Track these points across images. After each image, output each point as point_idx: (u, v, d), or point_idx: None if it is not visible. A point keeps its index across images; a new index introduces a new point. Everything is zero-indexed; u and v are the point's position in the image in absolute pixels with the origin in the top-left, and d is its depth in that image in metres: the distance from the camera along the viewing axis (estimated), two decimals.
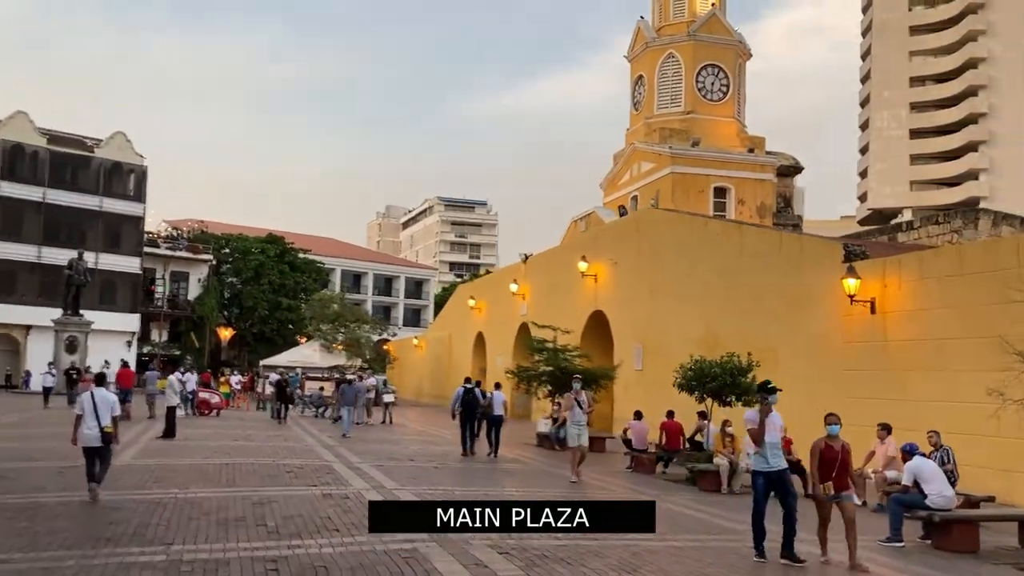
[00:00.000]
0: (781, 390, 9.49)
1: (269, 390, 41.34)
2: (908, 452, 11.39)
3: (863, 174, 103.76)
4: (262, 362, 54.38)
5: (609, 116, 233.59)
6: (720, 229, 24.54)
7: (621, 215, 34.61)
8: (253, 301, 66.07)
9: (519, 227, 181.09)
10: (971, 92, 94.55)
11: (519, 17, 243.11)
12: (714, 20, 40.36)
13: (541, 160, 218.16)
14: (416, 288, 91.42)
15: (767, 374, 16.06)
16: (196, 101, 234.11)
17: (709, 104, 39.94)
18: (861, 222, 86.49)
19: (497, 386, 24.45)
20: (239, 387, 39.66)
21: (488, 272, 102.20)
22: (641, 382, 26.88)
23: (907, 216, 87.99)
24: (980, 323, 15.66)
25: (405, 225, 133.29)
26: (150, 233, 62.85)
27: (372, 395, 32.20)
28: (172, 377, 24.19)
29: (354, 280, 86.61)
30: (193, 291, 64.09)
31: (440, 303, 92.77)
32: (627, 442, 18.52)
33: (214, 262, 65.33)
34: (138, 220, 57.91)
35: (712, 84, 40.00)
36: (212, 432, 23.41)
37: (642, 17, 42.64)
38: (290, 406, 31.08)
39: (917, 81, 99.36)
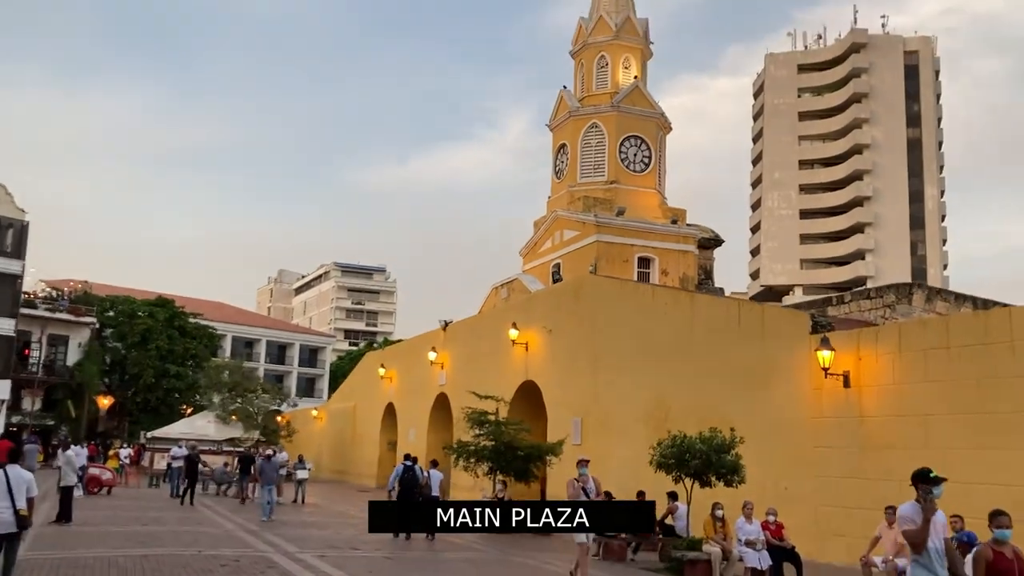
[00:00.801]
0: (947, 479, 7.87)
1: (164, 465, 38.29)
2: (967, 542, 10.28)
3: (755, 252, 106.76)
4: (150, 434, 50.46)
5: (505, 189, 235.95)
6: (670, 298, 23.67)
7: (555, 281, 33.54)
8: (139, 368, 61.96)
9: (416, 296, 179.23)
10: (857, 176, 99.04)
11: (408, 92, 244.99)
12: (636, 92, 40.43)
13: (437, 231, 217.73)
14: (311, 356, 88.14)
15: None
16: (75, 161, 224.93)
17: (632, 175, 39.72)
18: (753, 298, 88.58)
19: (435, 463, 23.08)
20: (127, 461, 36.26)
21: (387, 341, 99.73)
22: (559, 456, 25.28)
23: (799, 294, 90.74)
24: (969, 399, 14.98)
25: (298, 291, 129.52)
26: (27, 293, 58.36)
27: (284, 471, 29.73)
28: (70, 452, 21.42)
29: (245, 346, 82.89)
30: (73, 356, 59.56)
31: (337, 372, 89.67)
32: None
33: (97, 325, 61.09)
34: (15, 278, 53.59)
35: (635, 155, 39.85)
36: (112, 514, 20.72)
37: (565, 87, 42.45)
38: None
39: (806, 164, 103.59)
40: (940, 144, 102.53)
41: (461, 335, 37.39)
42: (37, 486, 10.65)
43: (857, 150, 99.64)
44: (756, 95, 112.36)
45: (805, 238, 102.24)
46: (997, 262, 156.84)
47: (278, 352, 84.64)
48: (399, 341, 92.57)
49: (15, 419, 54.89)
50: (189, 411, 65.30)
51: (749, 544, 13.53)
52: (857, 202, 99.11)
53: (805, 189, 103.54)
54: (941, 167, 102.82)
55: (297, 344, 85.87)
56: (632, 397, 24.30)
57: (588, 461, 13.34)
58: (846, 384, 17.10)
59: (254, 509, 25.03)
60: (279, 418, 50.04)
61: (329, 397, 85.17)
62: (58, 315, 58.25)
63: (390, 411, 45.48)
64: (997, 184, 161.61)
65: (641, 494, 17.35)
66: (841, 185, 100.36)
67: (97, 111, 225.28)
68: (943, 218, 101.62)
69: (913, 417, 15.97)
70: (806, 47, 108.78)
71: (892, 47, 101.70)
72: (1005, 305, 20.53)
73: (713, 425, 20.79)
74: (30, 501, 10.30)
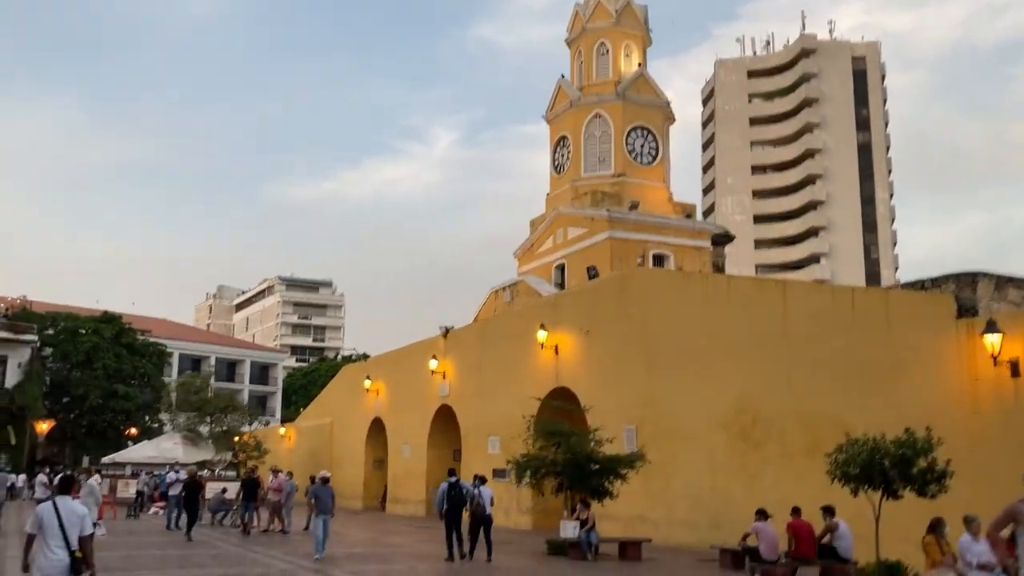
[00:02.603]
0: None
1: (133, 492, 34.41)
2: None
3: None
4: (107, 459, 46.23)
5: (437, 202, 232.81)
6: (752, 287, 21.28)
7: (591, 276, 30.93)
8: (84, 388, 57.29)
9: (362, 310, 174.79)
10: (810, 180, 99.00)
11: (331, 107, 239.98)
12: (641, 80, 38.30)
13: (374, 244, 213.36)
14: (262, 373, 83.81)
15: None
16: None
17: (640, 168, 37.51)
18: None
19: (482, 480, 20.43)
20: (103, 491, 32.27)
21: (339, 356, 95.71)
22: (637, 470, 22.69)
23: None
24: None
25: (239, 307, 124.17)
26: None
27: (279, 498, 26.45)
28: (92, 482, 17.95)
29: (193, 364, 78.14)
30: (12, 377, 54.58)
31: (288, 390, 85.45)
32: (750, 552, 14.36)
33: (38, 344, 56.22)
34: None
35: (642, 147, 37.66)
36: (128, 555, 17.23)
37: (563, 76, 40.02)
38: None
39: (759, 169, 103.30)
40: (888, 148, 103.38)
41: (465, 341, 34.51)
42: None
43: (809, 154, 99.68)
44: (706, 101, 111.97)
45: (760, 243, 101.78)
46: (938, 264, 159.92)
47: (227, 370, 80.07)
48: (352, 356, 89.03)
49: None
50: (133, 432, 60.77)
51: (983, 568, 11.06)
52: (811, 206, 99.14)
53: (758, 194, 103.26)
54: (890, 171, 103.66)
55: (248, 361, 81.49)
56: (703, 401, 21.81)
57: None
58: (1015, 373, 14.86)
59: (267, 541, 21.82)
60: (246, 437, 46.19)
61: (282, 415, 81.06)
62: None
63: (377, 427, 42.21)
64: (922, 194, 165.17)
65: (797, 511, 14.73)
66: (794, 190, 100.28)
67: (5, 126, 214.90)
68: (893, 221, 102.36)
69: None
70: (755, 53, 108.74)
71: (840, 52, 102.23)
72: None
73: (823, 431, 18.51)
74: (84, 540, 8.42)
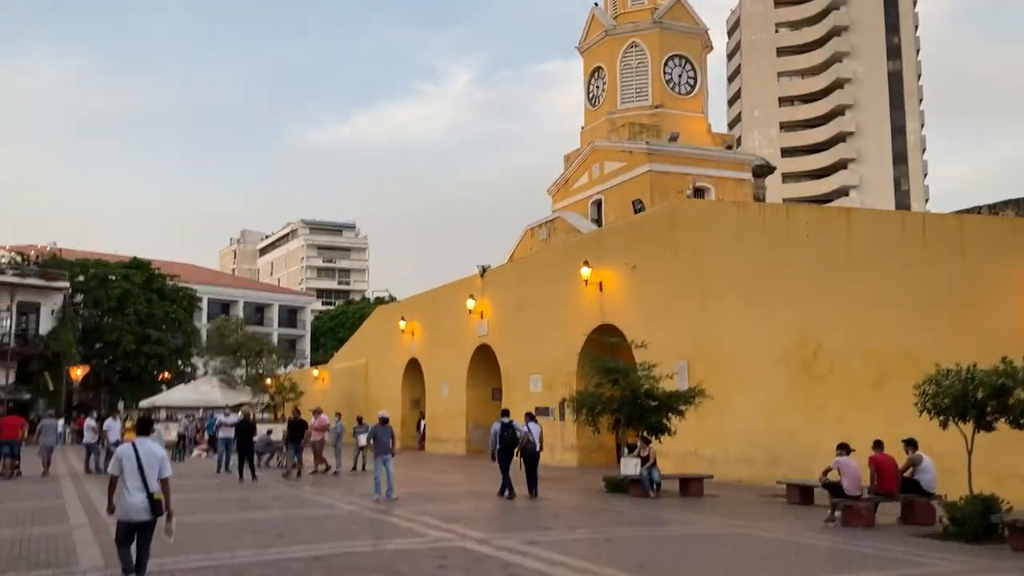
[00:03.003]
0: None
1: (175, 436, 34.47)
2: None
3: None
4: (144, 403, 46.49)
5: (453, 143, 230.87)
6: (814, 217, 20.51)
7: (637, 210, 30.21)
8: (117, 334, 57.42)
9: (385, 252, 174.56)
10: (839, 111, 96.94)
11: (348, 51, 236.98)
12: (679, 7, 37.01)
13: (394, 187, 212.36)
14: (290, 317, 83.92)
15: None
16: (6, 130, 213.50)
17: (678, 98, 36.45)
18: None
19: (531, 416, 20.39)
20: None
21: (364, 299, 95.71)
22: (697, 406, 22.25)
23: None
24: None
25: (263, 251, 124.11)
26: None
27: (323, 438, 26.27)
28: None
29: (222, 309, 78.38)
30: (45, 324, 54.76)
31: (316, 332, 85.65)
32: (832, 487, 13.91)
33: (70, 291, 56.24)
34: None
35: (680, 76, 36.53)
36: (186, 497, 16.90)
37: (596, 3, 38.75)
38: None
39: (786, 101, 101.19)
40: (919, 76, 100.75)
41: (503, 281, 34.02)
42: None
43: (838, 84, 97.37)
44: (731, 32, 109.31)
45: (788, 176, 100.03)
46: (967, 197, 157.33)
47: (256, 314, 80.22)
48: (380, 298, 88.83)
49: None
50: (164, 377, 61.14)
51: None
52: (840, 138, 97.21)
53: (786, 127, 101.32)
54: (920, 100, 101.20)
55: (276, 305, 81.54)
56: (760, 335, 21.26)
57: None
58: None
59: (318, 483, 21.70)
60: (283, 379, 46.17)
61: (311, 358, 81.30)
62: (28, 281, 53.32)
63: (413, 367, 42.08)
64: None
65: (879, 444, 14.23)
66: (823, 121, 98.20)
67: (24, 77, 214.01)
68: (923, 151, 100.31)
69: None
70: None
71: None
72: None
73: (891, 364, 17.94)
74: (164, 482, 8.59)
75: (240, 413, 24.66)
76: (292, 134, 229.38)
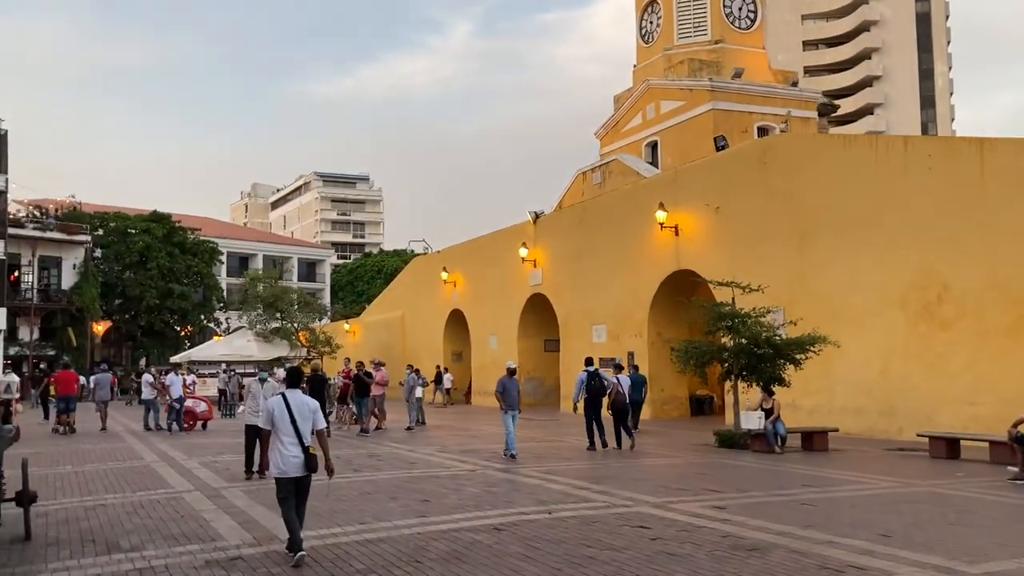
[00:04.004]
0: None
1: (215, 391, 33.17)
2: None
3: None
4: (174, 358, 45.25)
5: (455, 94, 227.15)
6: (939, 149, 18.88)
7: (719, 148, 28.52)
8: (140, 289, 55.99)
9: (397, 205, 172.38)
10: (865, 55, 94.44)
11: (348, 2, 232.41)
12: None
13: (400, 139, 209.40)
14: (308, 270, 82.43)
15: None
16: (6, 84, 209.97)
17: (738, 33, 34.54)
18: None
19: (620, 367, 19.80)
20: (192, 390, 31.03)
21: (381, 251, 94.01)
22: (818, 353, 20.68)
23: None
24: None
25: (275, 205, 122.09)
26: (12, 212, 51.60)
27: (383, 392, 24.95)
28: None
29: (241, 263, 76.97)
30: (67, 279, 53.34)
31: (334, 286, 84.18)
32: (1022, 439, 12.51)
33: (91, 244, 54.72)
34: None
35: (740, 9, 34.58)
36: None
37: None
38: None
39: (810, 45, 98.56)
40: (947, 17, 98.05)
41: (560, 226, 32.46)
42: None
43: (865, 27, 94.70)
44: None
45: None
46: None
47: (274, 268, 78.59)
48: (398, 251, 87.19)
49: (12, 350, 49.00)
50: (185, 332, 59.90)
51: None
52: (866, 82, 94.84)
53: (810, 71, 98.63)
54: (948, 42, 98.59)
55: (295, 258, 79.99)
56: (872, 278, 19.77)
57: None
58: None
59: (387, 439, 20.43)
60: (319, 332, 44.82)
61: (331, 311, 79.95)
62: (49, 235, 51.80)
63: (455, 319, 40.71)
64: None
65: None
66: (848, 66, 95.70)
67: (16, 32, 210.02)
68: (951, 95, 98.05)
69: None
70: None
71: None
72: None
73: None
74: (320, 435, 7.95)
75: (310, 367, 23.23)
76: (294, 88, 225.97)
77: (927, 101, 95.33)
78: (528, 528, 8.87)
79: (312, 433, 7.85)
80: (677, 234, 25.78)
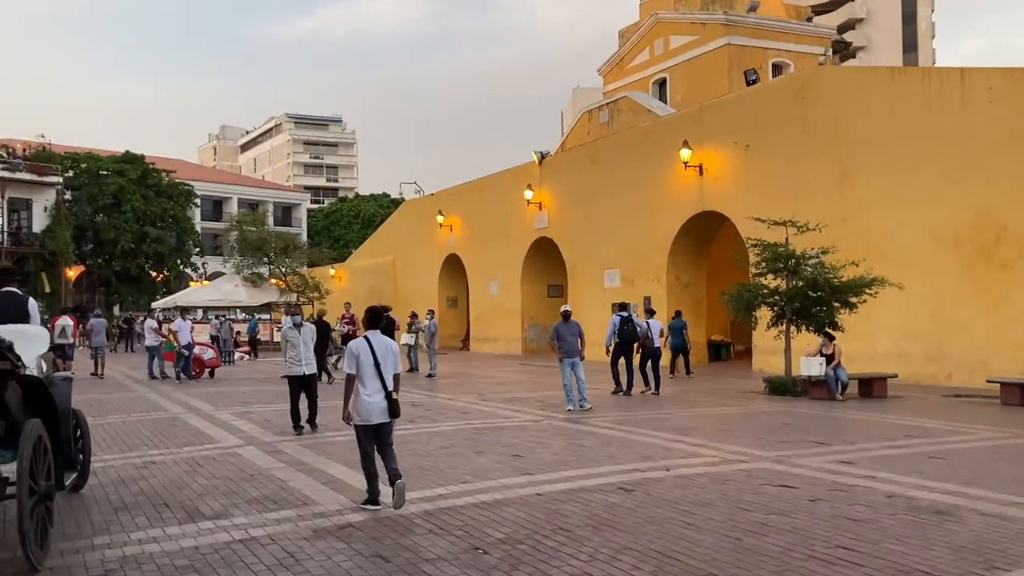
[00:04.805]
0: None
1: (207, 337, 31.85)
2: None
3: None
4: (156, 303, 43.72)
5: (421, 36, 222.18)
6: (1000, 81, 17.85)
7: (750, 82, 27.33)
8: (114, 233, 53.99)
9: (369, 148, 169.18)
10: None
11: None
12: None
13: (368, 80, 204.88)
14: (284, 214, 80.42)
15: None
16: None
17: None
18: None
19: (652, 312, 19.57)
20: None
21: (357, 196, 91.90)
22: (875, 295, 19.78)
23: None
24: None
25: (244, 148, 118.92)
26: None
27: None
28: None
29: (215, 207, 74.89)
30: (39, 222, 51.20)
31: (310, 231, 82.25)
32: None
33: (62, 186, 52.48)
34: None
35: None
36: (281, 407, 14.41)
37: None
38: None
39: None
40: None
41: (568, 168, 31.24)
42: None
43: None
44: None
45: None
46: None
47: (249, 212, 76.50)
48: (374, 195, 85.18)
49: None
50: (160, 277, 58.06)
51: None
52: (849, 25, 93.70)
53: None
54: None
55: (270, 203, 77.87)
56: (923, 218, 18.94)
57: None
58: None
59: (422, 385, 19.41)
60: (308, 277, 43.37)
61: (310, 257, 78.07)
62: (18, 175, 49.48)
63: (451, 264, 39.53)
64: None
65: None
66: (831, 8, 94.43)
67: None
68: (933, 38, 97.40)
69: None
70: None
71: None
72: None
73: None
74: (396, 379, 7.43)
75: (316, 312, 22.00)
76: (255, 29, 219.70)
77: (909, 45, 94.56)
78: (658, 488, 7.92)
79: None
80: (701, 174, 24.74)
